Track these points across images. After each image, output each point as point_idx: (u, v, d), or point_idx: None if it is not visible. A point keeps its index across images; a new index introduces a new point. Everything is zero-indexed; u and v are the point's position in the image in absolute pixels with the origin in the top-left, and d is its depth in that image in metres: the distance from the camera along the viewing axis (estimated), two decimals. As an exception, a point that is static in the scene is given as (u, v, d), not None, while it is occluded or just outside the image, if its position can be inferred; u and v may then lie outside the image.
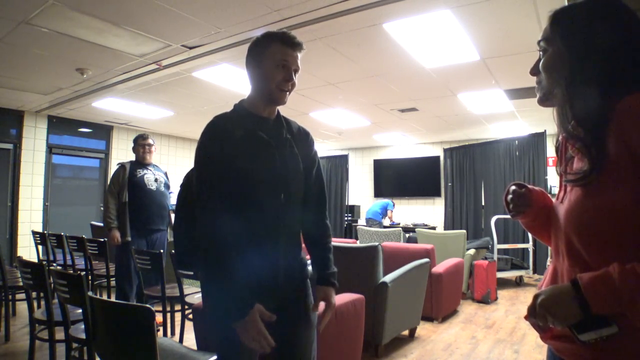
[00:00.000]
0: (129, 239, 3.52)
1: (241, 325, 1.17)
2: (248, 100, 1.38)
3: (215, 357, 1.80)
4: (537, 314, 0.78)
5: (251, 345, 1.18)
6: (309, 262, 1.48)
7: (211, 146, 1.27)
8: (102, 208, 7.27)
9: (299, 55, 1.34)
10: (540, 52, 0.89)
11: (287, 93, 1.34)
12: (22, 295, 3.55)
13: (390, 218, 8.56)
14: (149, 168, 3.82)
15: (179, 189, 1.49)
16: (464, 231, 5.40)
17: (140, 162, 3.77)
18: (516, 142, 7.04)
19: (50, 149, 6.58)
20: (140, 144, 3.79)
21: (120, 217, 3.56)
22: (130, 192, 3.60)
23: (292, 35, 1.33)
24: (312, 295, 1.44)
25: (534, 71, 0.91)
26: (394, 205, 8.65)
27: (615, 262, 0.73)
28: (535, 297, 0.79)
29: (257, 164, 1.28)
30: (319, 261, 1.46)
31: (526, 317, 0.83)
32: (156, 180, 3.78)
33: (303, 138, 1.44)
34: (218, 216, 1.22)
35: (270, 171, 1.29)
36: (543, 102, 0.92)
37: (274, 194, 1.29)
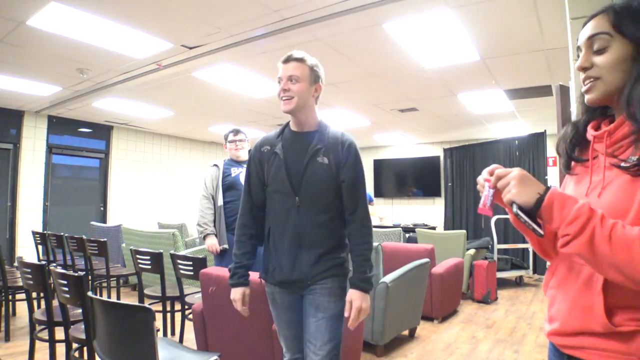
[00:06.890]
0: (227, 246, 3.10)
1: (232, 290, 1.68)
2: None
3: (215, 357, 1.81)
4: (504, 179, 0.83)
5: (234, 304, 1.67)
6: (331, 261, 1.60)
7: (250, 161, 1.71)
8: (102, 208, 7.28)
9: (293, 64, 1.56)
10: (594, 47, 0.88)
11: (285, 100, 1.56)
12: (22, 295, 3.54)
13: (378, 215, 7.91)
14: (244, 166, 3.11)
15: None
16: (464, 231, 5.39)
17: (234, 160, 3.31)
18: (516, 142, 7.04)
19: (50, 149, 6.57)
20: (232, 140, 3.33)
21: (216, 222, 3.17)
22: (225, 193, 3.20)
23: (289, 54, 1.58)
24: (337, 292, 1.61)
25: (586, 65, 0.90)
26: (371, 197, 7.90)
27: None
28: (513, 171, 0.84)
29: (272, 174, 1.61)
30: (353, 265, 1.61)
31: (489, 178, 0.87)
32: None
33: (337, 148, 1.58)
34: (244, 213, 1.71)
35: (282, 180, 1.57)
36: (599, 99, 0.90)
37: (286, 199, 1.58)
